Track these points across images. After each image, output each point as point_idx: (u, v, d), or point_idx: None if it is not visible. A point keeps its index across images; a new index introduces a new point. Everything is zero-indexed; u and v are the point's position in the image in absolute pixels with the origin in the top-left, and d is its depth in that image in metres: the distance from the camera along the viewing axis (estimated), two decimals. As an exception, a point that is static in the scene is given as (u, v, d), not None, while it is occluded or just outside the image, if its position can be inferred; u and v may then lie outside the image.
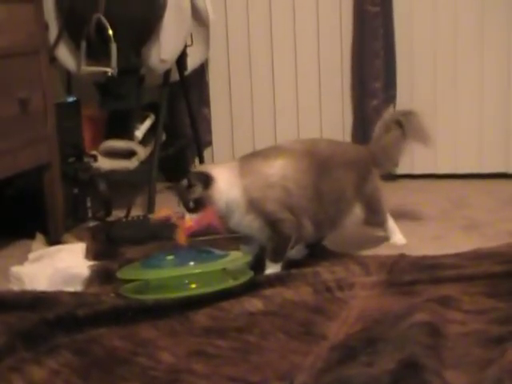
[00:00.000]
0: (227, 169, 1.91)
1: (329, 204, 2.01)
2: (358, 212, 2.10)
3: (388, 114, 2.30)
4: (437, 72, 3.01)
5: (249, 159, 1.97)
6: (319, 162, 2.01)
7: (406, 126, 2.22)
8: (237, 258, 1.89)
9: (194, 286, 1.81)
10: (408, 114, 2.26)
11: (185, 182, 1.87)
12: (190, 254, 1.85)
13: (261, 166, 1.94)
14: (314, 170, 1.98)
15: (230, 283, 1.82)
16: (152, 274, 1.84)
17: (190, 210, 1.86)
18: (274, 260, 1.96)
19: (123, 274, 1.87)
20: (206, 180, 1.85)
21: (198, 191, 1.84)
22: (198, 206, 1.85)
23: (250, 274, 1.88)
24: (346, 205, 2.07)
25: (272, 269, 1.95)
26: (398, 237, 2.22)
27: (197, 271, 1.82)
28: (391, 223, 2.22)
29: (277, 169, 1.94)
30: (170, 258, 1.85)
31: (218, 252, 1.89)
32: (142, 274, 1.86)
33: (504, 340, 1.42)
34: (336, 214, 2.05)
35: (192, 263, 1.82)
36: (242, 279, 1.84)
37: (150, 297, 1.78)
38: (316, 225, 2.00)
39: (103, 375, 1.42)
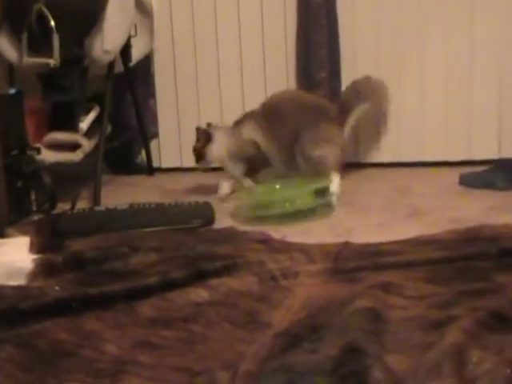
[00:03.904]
0: (223, 131, 2.77)
1: (284, 146, 2.69)
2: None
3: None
4: (381, 62, 3.04)
5: (235, 124, 2.77)
6: (274, 112, 2.70)
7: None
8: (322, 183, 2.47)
9: (287, 204, 2.37)
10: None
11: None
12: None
13: (238, 129, 2.75)
14: (270, 122, 2.70)
15: (318, 201, 2.39)
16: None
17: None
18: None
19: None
20: (208, 137, 2.73)
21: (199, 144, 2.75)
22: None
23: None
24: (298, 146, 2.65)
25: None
26: (334, 186, 2.60)
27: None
28: (335, 178, 2.62)
29: (246, 130, 2.73)
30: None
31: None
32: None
33: (443, 324, 1.45)
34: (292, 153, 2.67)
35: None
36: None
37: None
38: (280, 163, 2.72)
39: (47, 368, 1.41)
